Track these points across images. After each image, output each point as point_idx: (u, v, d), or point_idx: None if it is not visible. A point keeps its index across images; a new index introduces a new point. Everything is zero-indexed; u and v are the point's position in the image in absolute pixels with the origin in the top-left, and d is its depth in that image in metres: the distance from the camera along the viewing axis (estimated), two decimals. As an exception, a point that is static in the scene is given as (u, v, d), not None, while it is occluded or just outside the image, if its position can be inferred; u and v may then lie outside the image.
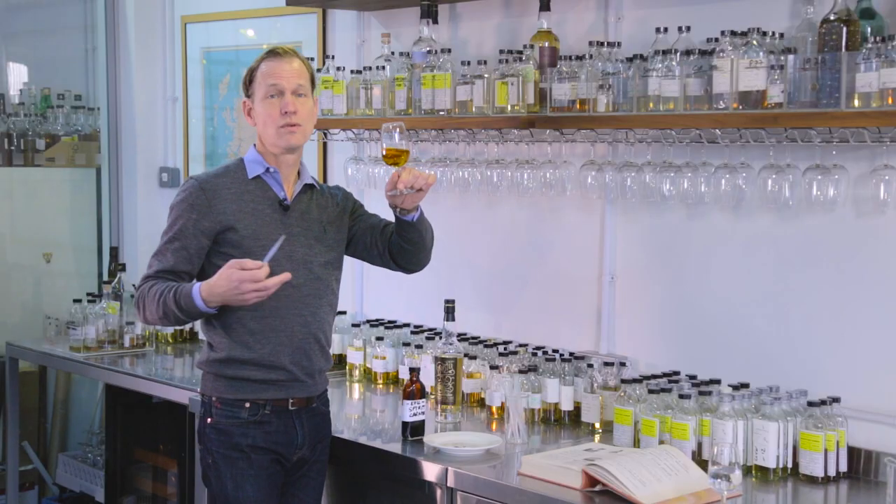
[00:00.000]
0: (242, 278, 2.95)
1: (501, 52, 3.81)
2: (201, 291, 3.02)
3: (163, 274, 3.16)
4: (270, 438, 3.17)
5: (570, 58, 3.63)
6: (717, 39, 3.31)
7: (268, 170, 3.22)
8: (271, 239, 3.14)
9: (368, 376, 4.28)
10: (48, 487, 5.65)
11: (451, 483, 3.15)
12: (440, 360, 3.63)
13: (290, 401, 3.19)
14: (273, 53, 3.23)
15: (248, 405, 3.15)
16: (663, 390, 3.29)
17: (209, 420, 3.19)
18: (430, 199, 4.37)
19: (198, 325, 5.02)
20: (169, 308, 3.07)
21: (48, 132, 6.11)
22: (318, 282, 3.24)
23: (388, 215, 3.36)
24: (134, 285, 5.12)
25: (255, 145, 3.29)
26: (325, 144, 4.82)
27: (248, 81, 3.25)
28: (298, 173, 3.29)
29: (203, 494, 3.72)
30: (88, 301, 4.98)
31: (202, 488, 3.65)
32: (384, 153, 3.29)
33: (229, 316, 3.14)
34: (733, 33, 3.23)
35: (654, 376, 3.49)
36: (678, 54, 3.34)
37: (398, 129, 3.26)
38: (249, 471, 3.15)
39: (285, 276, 2.99)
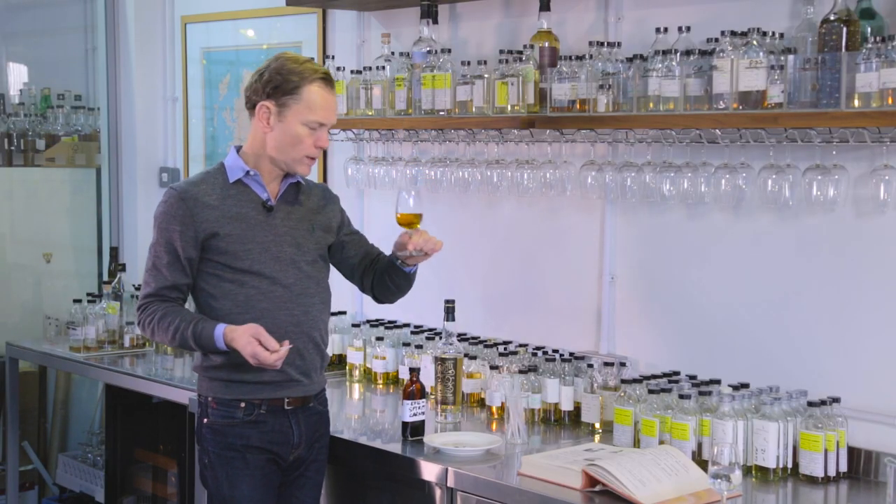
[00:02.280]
0: (256, 353, 2.99)
1: (501, 52, 3.81)
2: (224, 337, 3.04)
3: (165, 291, 3.14)
4: (266, 438, 3.17)
5: (570, 58, 3.63)
6: (717, 39, 3.31)
7: (248, 173, 3.17)
8: (257, 242, 3.14)
9: (368, 376, 4.28)
10: (48, 487, 5.65)
11: (451, 483, 3.15)
12: (440, 360, 3.63)
13: (286, 400, 3.18)
14: (326, 81, 3.12)
15: (243, 405, 3.15)
16: (663, 390, 3.29)
17: (205, 420, 3.19)
18: (431, 199, 4.38)
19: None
20: (187, 343, 3.09)
21: (48, 132, 6.11)
22: (308, 280, 3.22)
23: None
24: (134, 286, 5.18)
25: (236, 147, 3.22)
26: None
27: (286, 89, 3.09)
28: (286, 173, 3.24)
29: (203, 495, 3.72)
30: (88, 301, 4.98)
31: (202, 488, 3.65)
32: (398, 216, 3.29)
33: (222, 319, 3.13)
34: (733, 33, 3.23)
35: (654, 376, 3.49)
36: (678, 54, 3.34)
37: (413, 195, 3.28)
38: (245, 470, 3.15)
39: (285, 350, 3.03)
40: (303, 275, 3.21)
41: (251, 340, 3.00)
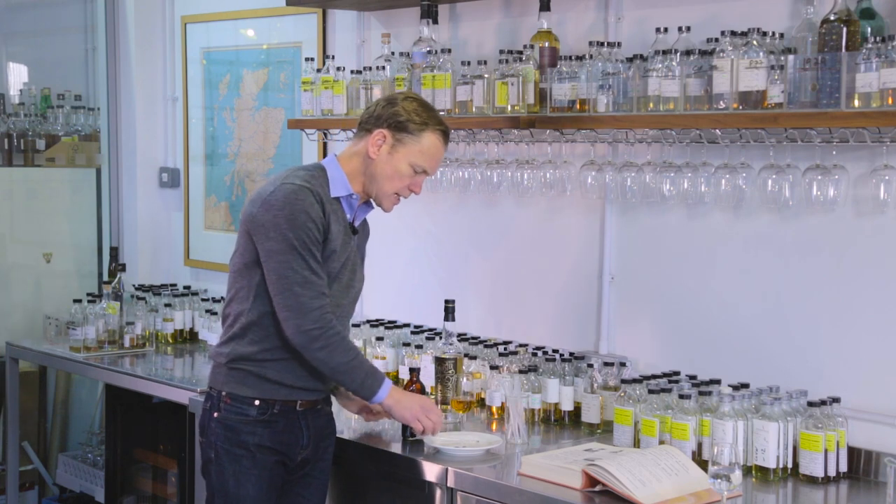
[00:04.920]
0: (419, 419, 3.25)
1: (501, 52, 3.81)
2: (389, 397, 3.20)
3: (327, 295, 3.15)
4: (276, 438, 3.17)
5: (570, 58, 3.63)
6: (717, 39, 3.31)
7: (351, 195, 3.21)
8: (338, 260, 3.16)
9: (368, 376, 4.27)
10: (48, 487, 5.65)
11: (451, 483, 3.15)
12: (440, 360, 3.63)
13: (298, 402, 3.20)
14: (446, 135, 3.21)
15: (257, 403, 3.16)
16: (663, 390, 3.30)
17: (216, 414, 3.19)
18: (431, 199, 4.38)
19: (199, 326, 5.02)
20: (355, 375, 3.15)
21: (48, 132, 6.11)
22: (351, 305, 3.30)
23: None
24: (134, 286, 5.16)
25: (340, 160, 3.23)
26: (325, 144, 4.82)
27: (409, 128, 3.15)
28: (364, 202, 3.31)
29: (203, 495, 3.71)
30: (88, 301, 4.98)
31: (202, 488, 3.65)
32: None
33: (273, 318, 3.14)
34: (733, 33, 3.23)
35: (654, 376, 3.49)
36: (678, 54, 3.34)
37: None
38: (253, 470, 3.16)
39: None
40: (349, 300, 3.27)
41: (419, 415, 3.25)
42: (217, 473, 3.19)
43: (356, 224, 3.28)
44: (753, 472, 3.11)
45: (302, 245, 3.06)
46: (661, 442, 3.19)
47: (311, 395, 3.23)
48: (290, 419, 3.19)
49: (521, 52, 3.75)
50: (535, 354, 3.84)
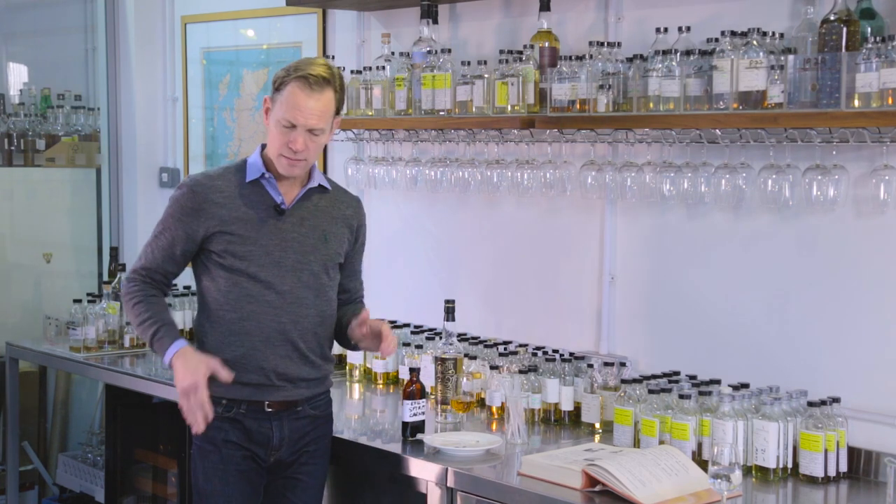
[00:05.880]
0: (186, 393, 3.03)
1: (501, 52, 3.81)
2: (174, 357, 3.08)
3: (151, 273, 3.19)
4: (244, 436, 3.17)
5: (570, 58, 3.63)
6: (717, 39, 3.31)
7: (263, 175, 3.16)
8: (260, 245, 3.13)
9: (368, 376, 4.28)
10: (48, 487, 5.65)
11: (451, 483, 3.15)
12: (440, 360, 3.63)
13: (266, 402, 3.17)
14: (306, 81, 3.03)
15: (224, 402, 3.16)
16: (663, 390, 3.30)
17: None
18: (430, 200, 4.38)
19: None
20: (144, 336, 3.18)
21: (48, 132, 6.10)
22: (306, 290, 3.19)
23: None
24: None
25: (263, 145, 3.22)
26: (325, 145, 4.81)
27: (277, 86, 3.09)
28: (310, 174, 3.23)
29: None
30: (88, 301, 4.97)
31: (202, 488, 3.65)
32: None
33: (214, 313, 3.16)
34: (733, 33, 3.23)
35: (654, 376, 3.49)
36: (678, 54, 3.34)
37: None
38: (220, 465, 3.16)
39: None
40: (301, 284, 3.18)
41: (190, 386, 3.03)
42: (192, 470, 3.23)
43: (290, 204, 3.17)
44: (753, 472, 3.11)
45: (162, 222, 3.19)
46: (661, 442, 3.19)
47: (278, 394, 3.18)
48: (260, 419, 3.17)
49: (521, 52, 3.75)
50: (535, 354, 3.84)
